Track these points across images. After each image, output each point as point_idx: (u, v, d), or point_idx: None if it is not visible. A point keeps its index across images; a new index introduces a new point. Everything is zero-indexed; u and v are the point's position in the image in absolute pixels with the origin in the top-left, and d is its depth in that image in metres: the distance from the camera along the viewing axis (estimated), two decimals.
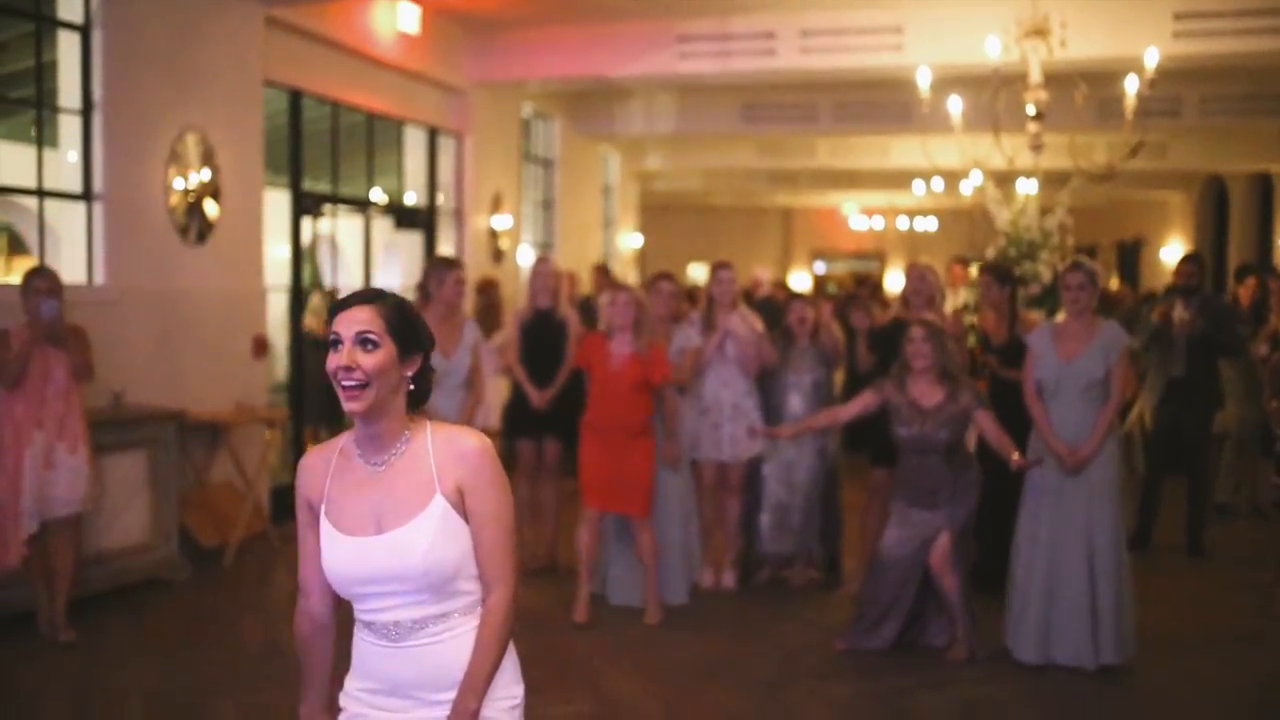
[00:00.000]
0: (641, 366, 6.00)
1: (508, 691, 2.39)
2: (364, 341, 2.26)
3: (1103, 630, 5.33)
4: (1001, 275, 6.84)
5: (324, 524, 2.34)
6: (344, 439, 2.40)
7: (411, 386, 2.35)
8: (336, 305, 2.32)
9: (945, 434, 5.44)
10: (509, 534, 2.35)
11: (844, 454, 10.71)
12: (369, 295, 2.34)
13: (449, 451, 2.32)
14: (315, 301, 10.01)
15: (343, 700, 2.44)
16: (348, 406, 2.27)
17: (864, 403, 5.75)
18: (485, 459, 2.33)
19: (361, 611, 2.36)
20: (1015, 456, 5.28)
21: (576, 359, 6.45)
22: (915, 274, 6.74)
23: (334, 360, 2.27)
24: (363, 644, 2.38)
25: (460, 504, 2.31)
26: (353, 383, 2.25)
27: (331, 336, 2.29)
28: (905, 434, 5.52)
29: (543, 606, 6.37)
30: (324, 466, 2.38)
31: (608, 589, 6.50)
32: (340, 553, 2.32)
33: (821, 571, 6.98)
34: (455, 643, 2.33)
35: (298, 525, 2.44)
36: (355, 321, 2.27)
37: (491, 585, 2.34)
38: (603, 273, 11.89)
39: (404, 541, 2.28)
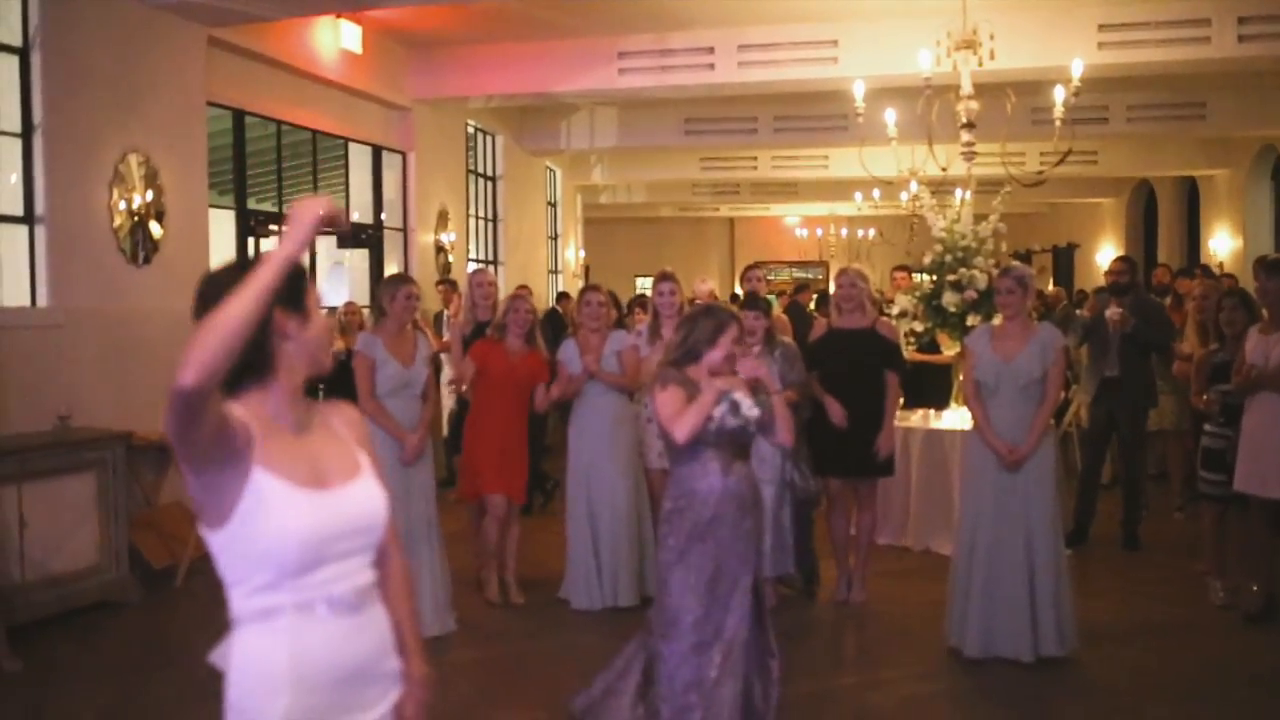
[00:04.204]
0: (531, 368, 6.57)
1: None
2: None
3: (1042, 623, 5.48)
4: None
5: (262, 475, 2.07)
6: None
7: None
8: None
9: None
10: None
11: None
12: None
13: (342, 419, 2.32)
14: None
15: None
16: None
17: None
18: (366, 427, 2.38)
19: (321, 582, 2.13)
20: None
21: (473, 359, 6.59)
22: (846, 280, 6.73)
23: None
24: (315, 632, 2.13)
25: None
26: None
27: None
28: None
29: (500, 616, 6.44)
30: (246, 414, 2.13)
31: (568, 592, 6.61)
32: (304, 506, 2.10)
33: (797, 587, 6.90)
34: (383, 605, 2.30)
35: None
36: None
37: (391, 547, 2.34)
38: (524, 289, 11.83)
39: (365, 492, 2.23)
